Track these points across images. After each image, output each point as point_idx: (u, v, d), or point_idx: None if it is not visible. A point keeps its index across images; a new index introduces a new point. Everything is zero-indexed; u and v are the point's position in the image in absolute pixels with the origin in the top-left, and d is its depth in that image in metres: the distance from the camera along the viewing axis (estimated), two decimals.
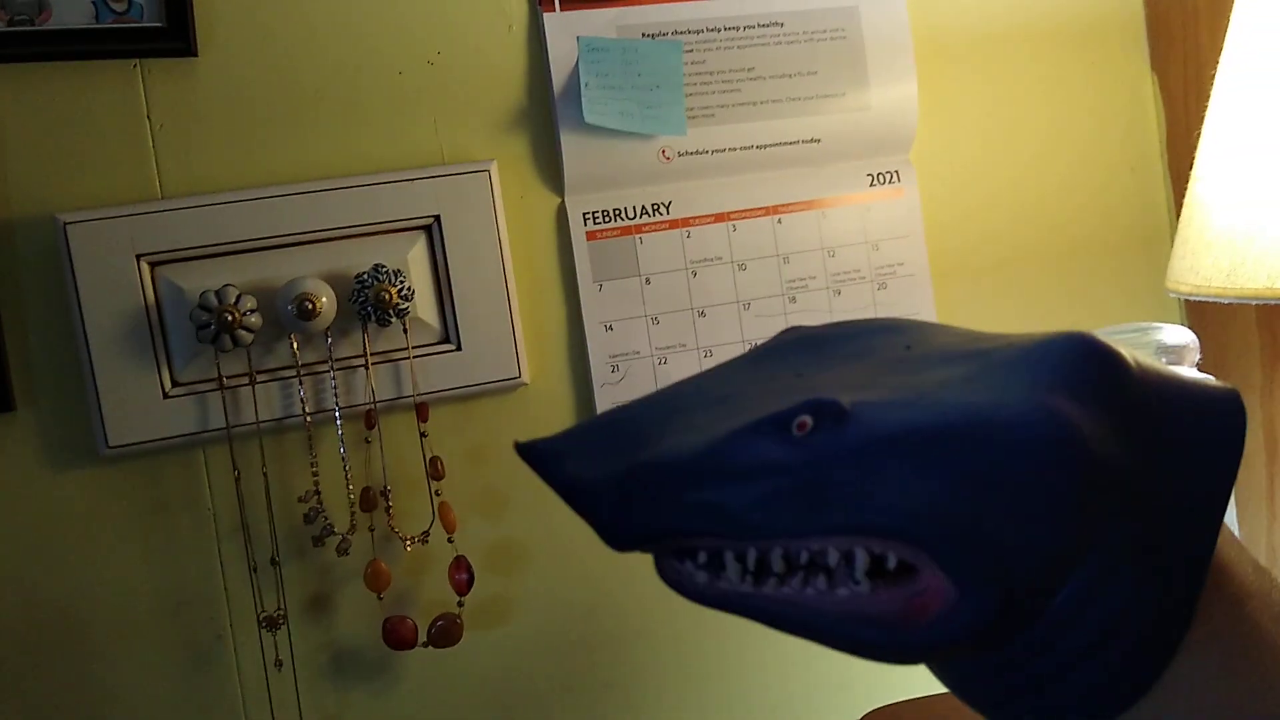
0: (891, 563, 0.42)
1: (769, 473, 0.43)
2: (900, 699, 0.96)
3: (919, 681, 0.96)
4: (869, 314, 1.14)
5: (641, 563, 1.10)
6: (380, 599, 1.03)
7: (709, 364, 1.11)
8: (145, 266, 0.98)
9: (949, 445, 0.41)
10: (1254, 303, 0.82)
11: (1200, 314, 1.21)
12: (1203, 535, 0.44)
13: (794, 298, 1.13)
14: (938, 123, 1.17)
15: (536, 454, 0.49)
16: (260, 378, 1.00)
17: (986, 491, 0.41)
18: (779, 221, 1.12)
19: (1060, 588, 0.42)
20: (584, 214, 1.09)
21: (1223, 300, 0.83)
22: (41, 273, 0.98)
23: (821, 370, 0.50)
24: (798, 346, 0.54)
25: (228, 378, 0.99)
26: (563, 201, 1.09)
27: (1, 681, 0.99)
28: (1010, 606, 0.41)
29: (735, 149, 1.10)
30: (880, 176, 1.15)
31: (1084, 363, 0.43)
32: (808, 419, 0.43)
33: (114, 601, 1.01)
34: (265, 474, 1.01)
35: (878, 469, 0.41)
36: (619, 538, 0.47)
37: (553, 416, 1.09)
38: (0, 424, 0.98)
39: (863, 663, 1.14)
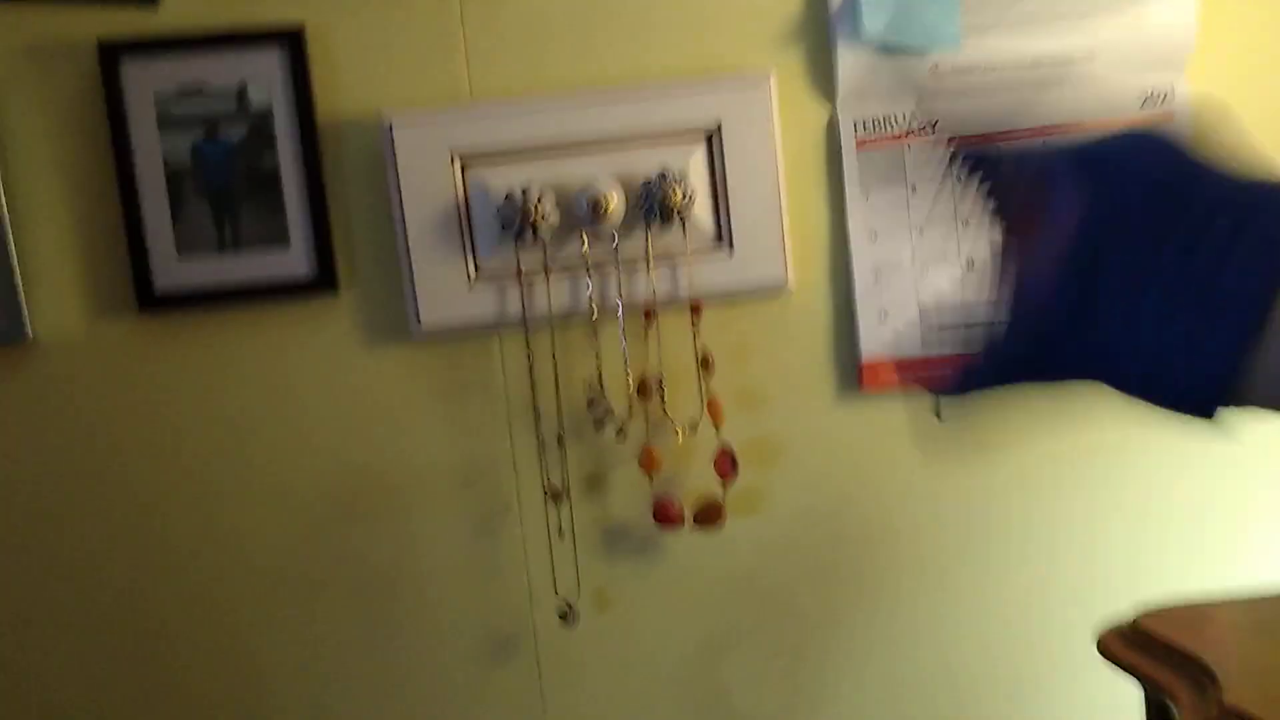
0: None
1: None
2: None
3: (1153, 588, 0.99)
4: None
5: (890, 467, 1.15)
6: (651, 481, 1.11)
7: (970, 276, 1.14)
8: (457, 164, 1.07)
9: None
10: None
11: None
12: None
13: None
14: (1215, 39, 1.15)
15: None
16: (553, 272, 1.09)
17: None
18: (1045, 140, 1.13)
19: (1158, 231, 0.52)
20: (854, 122, 1.13)
21: None
22: (366, 168, 1.08)
23: None
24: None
25: (525, 270, 1.08)
26: (834, 112, 1.13)
27: (320, 533, 1.12)
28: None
29: (1007, 66, 1.12)
30: (1154, 96, 1.14)
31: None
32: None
33: (418, 470, 1.12)
34: (554, 360, 1.10)
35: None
36: None
37: (813, 321, 1.14)
38: (326, 304, 1.09)
39: (1098, 568, 1.16)
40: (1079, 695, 1.18)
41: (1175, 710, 0.72)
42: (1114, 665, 0.80)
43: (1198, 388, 0.51)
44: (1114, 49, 1.13)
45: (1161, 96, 1.14)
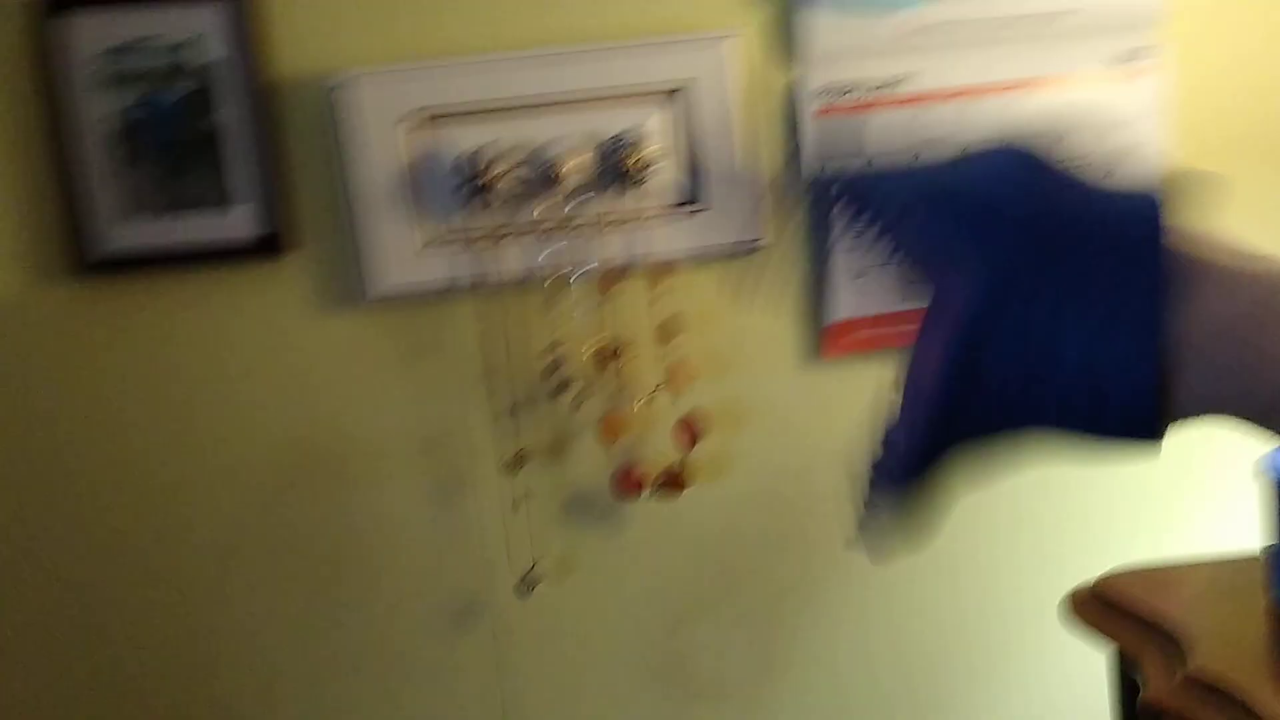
0: None
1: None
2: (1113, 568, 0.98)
3: (1119, 555, 0.98)
4: None
5: (855, 427, 1.13)
6: (612, 449, 1.09)
7: None
8: (411, 124, 1.03)
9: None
10: None
11: None
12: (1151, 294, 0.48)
13: None
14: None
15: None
16: (510, 234, 1.06)
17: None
18: (1013, 99, 1.12)
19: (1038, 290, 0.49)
20: (816, 90, 1.10)
21: None
22: (315, 128, 1.05)
23: None
24: None
25: (480, 233, 1.05)
26: (797, 75, 1.10)
27: (273, 502, 1.09)
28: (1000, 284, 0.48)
29: (977, 20, 1.10)
30: (1127, 54, 1.12)
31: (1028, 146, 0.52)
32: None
33: (371, 438, 1.09)
34: (509, 327, 1.07)
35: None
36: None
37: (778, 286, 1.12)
38: (274, 267, 1.06)
39: (1064, 535, 1.16)
40: (1051, 660, 1.17)
41: (1140, 675, 0.71)
42: (1080, 628, 0.79)
43: (1133, 413, 0.50)
44: (1086, 6, 1.11)
45: (1134, 54, 1.13)
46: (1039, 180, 0.52)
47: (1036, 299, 0.50)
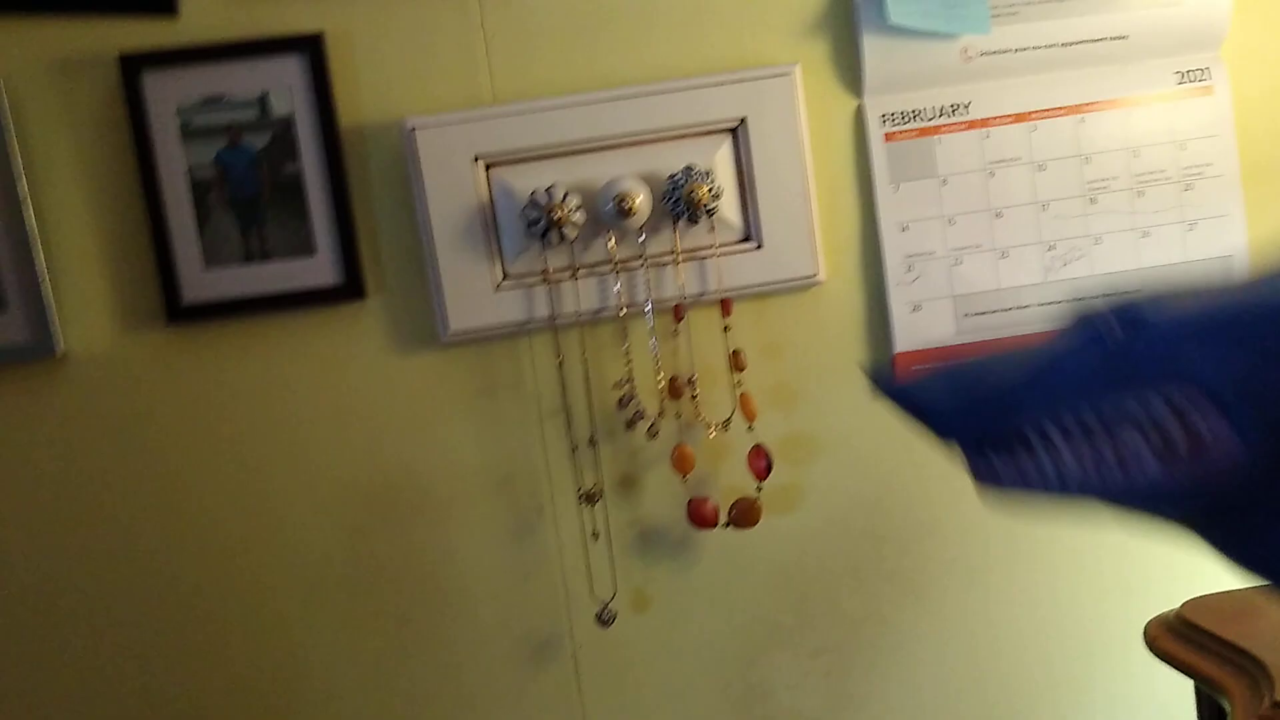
0: (1177, 434, 0.49)
1: (1088, 373, 0.50)
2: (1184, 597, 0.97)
3: (1202, 583, 0.96)
4: (1174, 214, 1.12)
5: (929, 458, 1.13)
6: (685, 481, 1.10)
7: (1004, 265, 1.12)
8: (481, 167, 1.06)
9: (1244, 326, 0.49)
10: None
11: None
12: None
13: (1094, 199, 1.12)
14: (1252, 17, 1.13)
15: (882, 381, 0.56)
16: (581, 272, 1.08)
17: (1274, 359, 0.47)
18: (1081, 121, 1.11)
19: None
20: (882, 115, 1.11)
21: None
22: (389, 173, 1.08)
23: None
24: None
25: (552, 271, 1.07)
26: (861, 103, 1.11)
27: (346, 542, 1.11)
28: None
29: (1038, 47, 1.10)
30: (1189, 74, 1.12)
31: None
32: (1114, 322, 0.51)
33: (449, 474, 1.11)
34: (584, 361, 1.09)
35: (1179, 352, 0.49)
36: (955, 434, 0.53)
37: (846, 315, 1.13)
38: (353, 311, 1.09)
39: (1145, 563, 1.14)
40: (1131, 693, 1.15)
41: (1228, 705, 0.70)
42: (1162, 659, 0.77)
43: None
44: (1148, 28, 1.10)
45: (1198, 75, 1.12)
46: None
47: None
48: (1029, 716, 1.17)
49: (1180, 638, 0.78)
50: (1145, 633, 0.81)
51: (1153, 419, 0.50)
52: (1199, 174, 1.12)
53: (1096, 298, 0.58)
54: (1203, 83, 1.12)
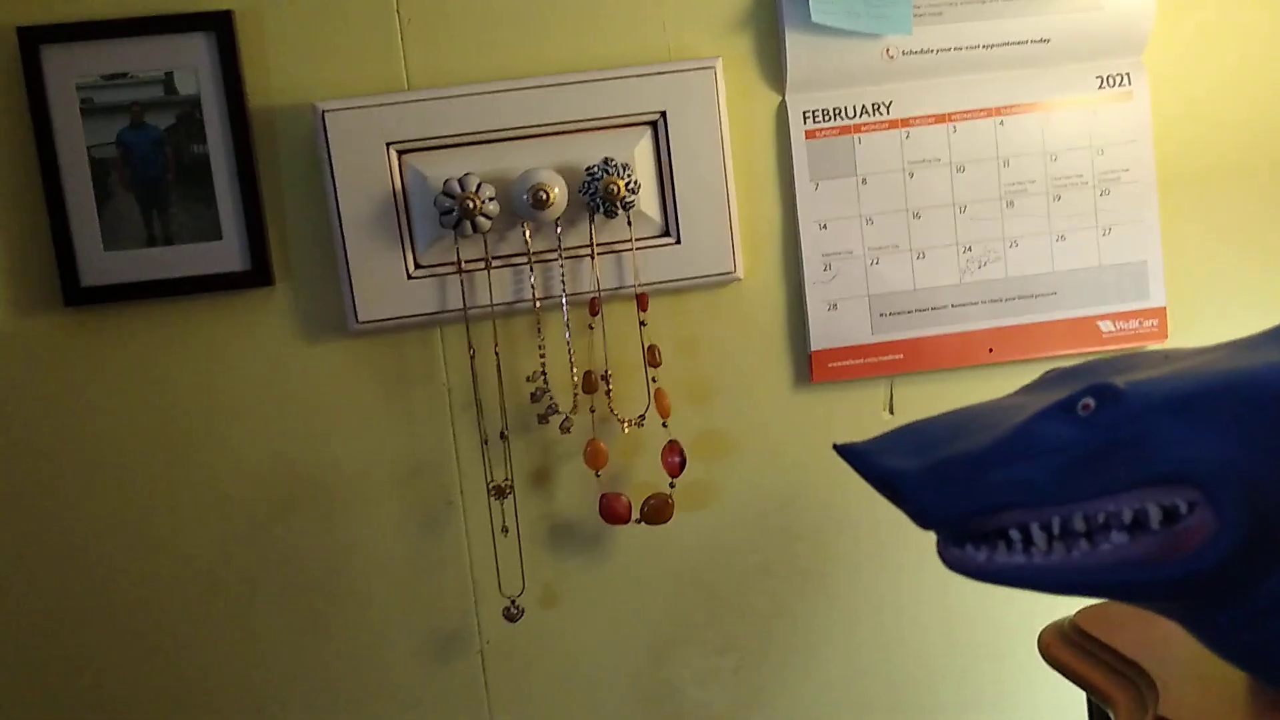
0: (1154, 517, 0.50)
1: (1062, 449, 0.50)
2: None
3: None
4: (1089, 218, 1.12)
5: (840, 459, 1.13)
6: (598, 476, 1.09)
7: (921, 265, 1.12)
8: (394, 154, 1.04)
9: (1216, 402, 0.48)
10: None
11: None
12: None
13: (1011, 202, 1.12)
14: (1175, 23, 1.13)
15: (855, 453, 0.55)
16: (495, 263, 1.06)
17: (1248, 435, 0.47)
18: (1001, 123, 1.11)
19: None
20: (804, 112, 1.10)
21: None
22: (300, 157, 1.05)
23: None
24: (1061, 377, 0.61)
25: (466, 262, 1.05)
26: (783, 100, 1.10)
27: (259, 531, 1.09)
28: (1262, 536, 0.46)
29: (961, 49, 1.10)
30: (1110, 79, 1.12)
31: None
32: (1090, 400, 0.49)
33: (357, 465, 1.09)
34: (497, 354, 1.07)
35: (1155, 430, 0.49)
36: (931, 517, 0.53)
37: (764, 312, 1.12)
38: (260, 298, 1.06)
39: None
40: (1036, 693, 1.17)
41: (1112, 716, 0.70)
42: (1053, 667, 0.78)
43: None
44: (1070, 32, 1.10)
45: (1119, 79, 1.12)
46: None
47: None
48: (936, 714, 1.17)
49: (1072, 645, 0.79)
50: (1039, 640, 0.81)
51: (1129, 500, 0.50)
52: (1116, 179, 1.13)
53: (1069, 371, 0.58)
54: (1123, 88, 1.12)
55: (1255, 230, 1.16)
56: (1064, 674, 0.77)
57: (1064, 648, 0.79)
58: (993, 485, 0.51)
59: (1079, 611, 0.83)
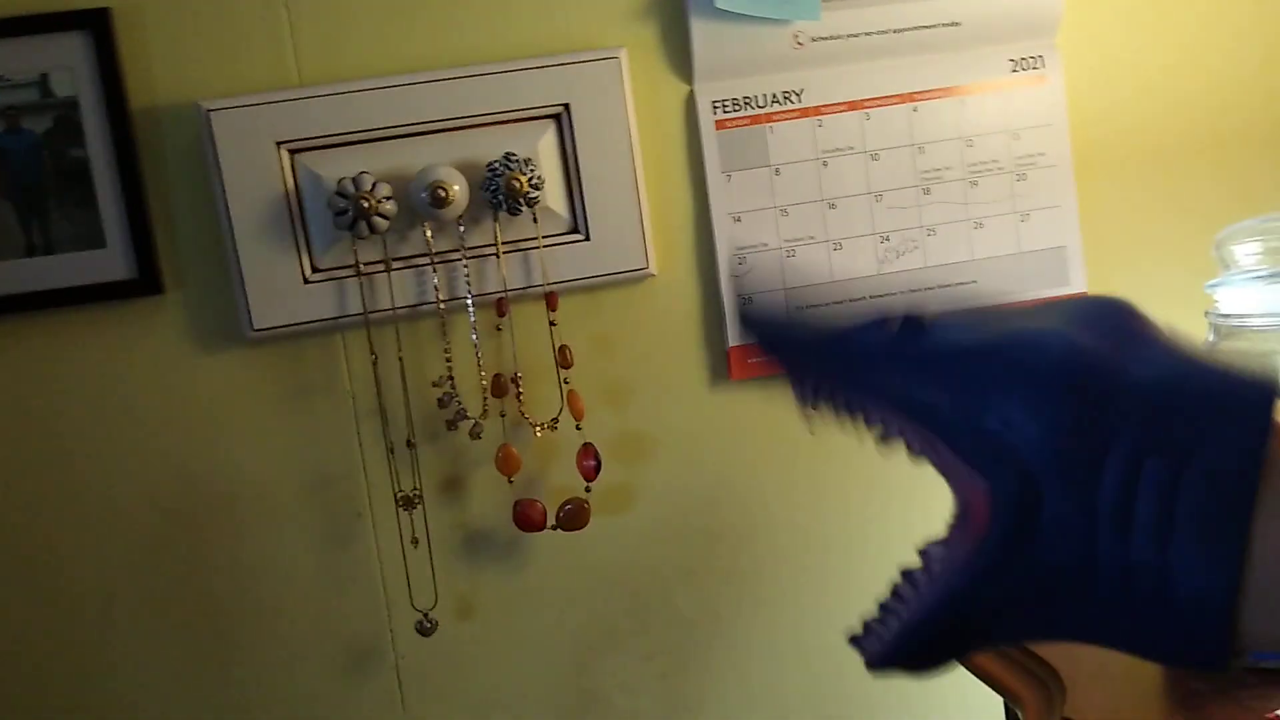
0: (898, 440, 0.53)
1: (867, 349, 0.52)
2: None
3: None
4: (1007, 204, 1.10)
5: (763, 455, 1.10)
6: (511, 482, 1.05)
7: (838, 256, 1.09)
8: (285, 153, 1.00)
9: (984, 360, 0.48)
10: None
11: None
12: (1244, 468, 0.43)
13: (928, 189, 1.10)
14: (1087, 4, 1.11)
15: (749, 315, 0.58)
16: (395, 265, 1.02)
17: (1001, 393, 0.47)
18: (914, 109, 1.09)
19: (1088, 482, 0.45)
20: (713, 102, 1.07)
21: None
22: (186, 159, 1.01)
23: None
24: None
25: (364, 264, 1.01)
26: (692, 90, 1.07)
27: (157, 548, 1.04)
28: (1030, 488, 0.45)
29: (871, 33, 1.07)
30: (1023, 62, 1.10)
31: (1113, 307, 0.49)
32: (896, 321, 0.52)
33: (259, 478, 1.05)
34: (401, 359, 1.03)
35: (932, 371, 0.50)
36: (768, 348, 0.56)
37: (679, 309, 1.09)
38: (150, 306, 1.02)
39: None
40: (957, 691, 1.14)
41: (1020, 716, 0.68)
42: (966, 667, 0.75)
43: (1199, 640, 0.44)
44: (981, 15, 1.08)
45: (1032, 62, 1.10)
46: (1121, 338, 0.47)
47: (1095, 485, 0.44)
48: (858, 715, 1.15)
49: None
50: None
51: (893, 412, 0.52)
52: (1032, 163, 1.11)
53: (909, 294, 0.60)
54: (1037, 71, 1.10)
55: (1173, 213, 1.14)
56: (975, 674, 0.74)
57: None
58: (815, 354, 0.53)
59: None
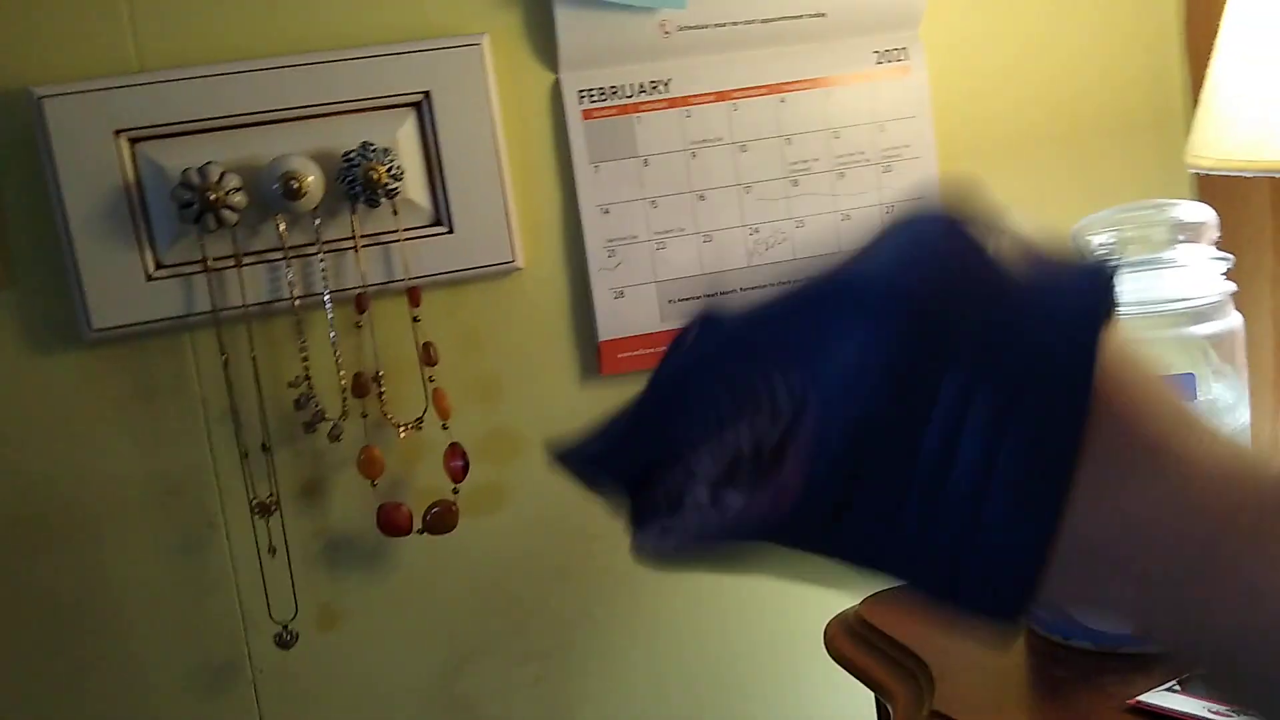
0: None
1: (677, 383, 0.45)
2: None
3: None
4: (874, 196, 1.10)
5: None
6: (374, 485, 1.01)
7: (709, 249, 1.08)
8: (124, 143, 0.94)
9: (803, 306, 0.43)
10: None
11: (1211, 197, 1.17)
12: (1074, 385, 0.42)
13: (796, 181, 1.09)
14: None
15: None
16: (246, 260, 0.97)
17: (823, 346, 0.41)
18: (782, 101, 1.08)
19: (907, 426, 0.42)
20: (579, 91, 1.05)
21: (1246, 175, 0.80)
22: (17, 149, 0.94)
23: None
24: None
25: (213, 259, 0.96)
26: (558, 78, 1.05)
27: None
28: (854, 441, 0.41)
29: (738, 23, 1.06)
30: (888, 54, 1.10)
31: (939, 230, 0.45)
32: (693, 329, 0.46)
33: (104, 487, 0.99)
34: (254, 359, 0.99)
35: (746, 348, 0.44)
36: (598, 480, 0.47)
37: (548, 303, 1.07)
38: None
39: None
40: (835, 686, 1.14)
41: (891, 710, 0.67)
42: (838, 662, 0.75)
43: (995, 590, 0.42)
44: (845, 5, 1.08)
45: (897, 54, 1.11)
46: (949, 255, 0.43)
47: (924, 421, 0.41)
48: (743, 714, 1.14)
49: (856, 638, 0.76)
50: (825, 634, 0.78)
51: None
52: (898, 155, 1.11)
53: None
54: (901, 63, 1.11)
55: (1032, 203, 1.16)
56: (846, 668, 0.74)
57: (847, 640, 0.76)
58: (642, 442, 0.46)
59: (864, 600, 0.80)
